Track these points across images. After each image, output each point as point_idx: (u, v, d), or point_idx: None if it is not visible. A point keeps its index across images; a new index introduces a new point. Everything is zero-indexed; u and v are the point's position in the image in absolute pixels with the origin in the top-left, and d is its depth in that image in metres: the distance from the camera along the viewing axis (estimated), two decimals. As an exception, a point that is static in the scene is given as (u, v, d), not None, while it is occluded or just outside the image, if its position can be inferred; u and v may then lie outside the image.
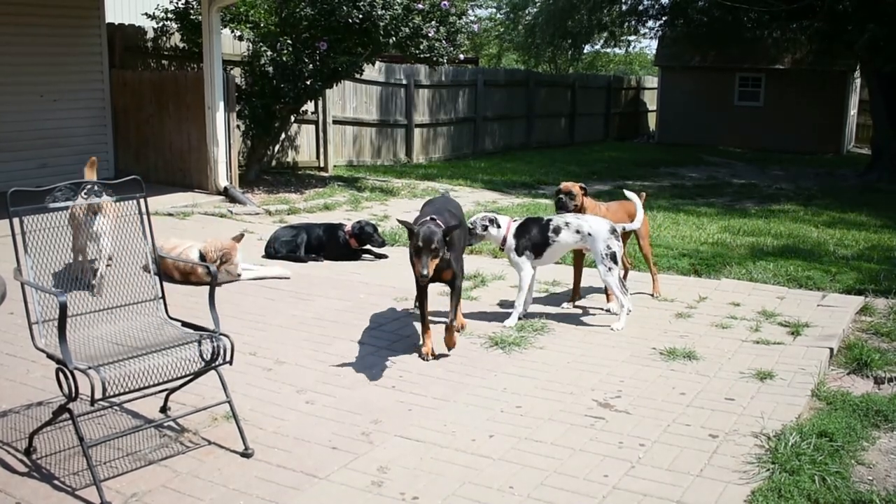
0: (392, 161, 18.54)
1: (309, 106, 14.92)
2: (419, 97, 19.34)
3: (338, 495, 3.62)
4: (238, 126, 12.48)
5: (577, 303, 6.64)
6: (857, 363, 5.40)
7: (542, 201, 13.21)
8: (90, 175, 6.29)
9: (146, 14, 13.03)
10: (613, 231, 6.08)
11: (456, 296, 5.47)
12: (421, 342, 5.47)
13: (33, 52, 11.13)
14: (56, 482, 3.69)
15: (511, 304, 6.31)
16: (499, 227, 6.13)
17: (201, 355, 3.85)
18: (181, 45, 13.09)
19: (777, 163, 22.95)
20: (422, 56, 13.08)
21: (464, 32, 13.61)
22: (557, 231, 6.10)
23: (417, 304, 5.75)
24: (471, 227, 6.12)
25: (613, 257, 6.02)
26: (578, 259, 6.68)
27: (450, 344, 5.42)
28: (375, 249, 8.38)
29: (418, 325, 5.66)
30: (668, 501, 3.58)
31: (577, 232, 6.09)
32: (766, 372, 5.09)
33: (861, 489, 3.71)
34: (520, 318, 6.12)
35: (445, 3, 13.03)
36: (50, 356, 3.74)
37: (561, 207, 6.50)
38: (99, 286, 5.27)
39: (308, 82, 12.18)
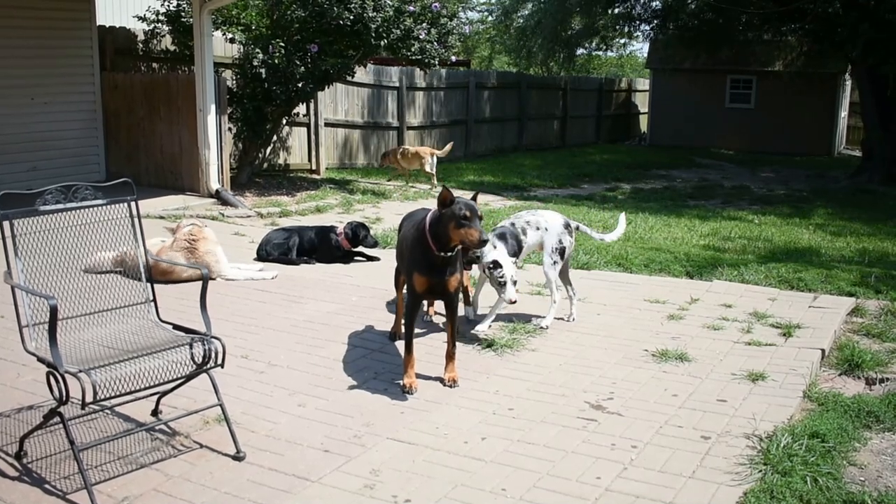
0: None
1: (300, 108, 14.92)
2: (411, 99, 19.34)
3: (330, 498, 3.61)
4: (229, 128, 12.47)
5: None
6: (849, 364, 5.41)
7: (534, 203, 13.23)
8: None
9: (137, 16, 13.01)
10: (567, 226, 6.21)
11: (455, 317, 5.01)
12: (403, 371, 4.93)
13: (24, 54, 11.09)
14: (47, 486, 3.67)
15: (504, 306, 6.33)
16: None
17: (193, 358, 3.84)
18: (172, 47, 13.07)
19: (768, 164, 23.02)
20: (413, 58, 13.09)
21: (455, 34, 13.63)
22: (524, 233, 6.18)
23: (403, 325, 5.09)
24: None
25: (562, 252, 6.13)
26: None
27: (453, 378, 4.95)
28: (367, 251, 8.38)
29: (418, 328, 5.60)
30: (660, 503, 3.58)
31: (538, 229, 6.18)
32: (758, 373, 5.10)
33: (853, 490, 3.71)
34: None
35: (436, 4, 13.04)
36: (40, 359, 3.72)
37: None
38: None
39: (299, 84, 12.18)
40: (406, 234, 5.19)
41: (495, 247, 5.87)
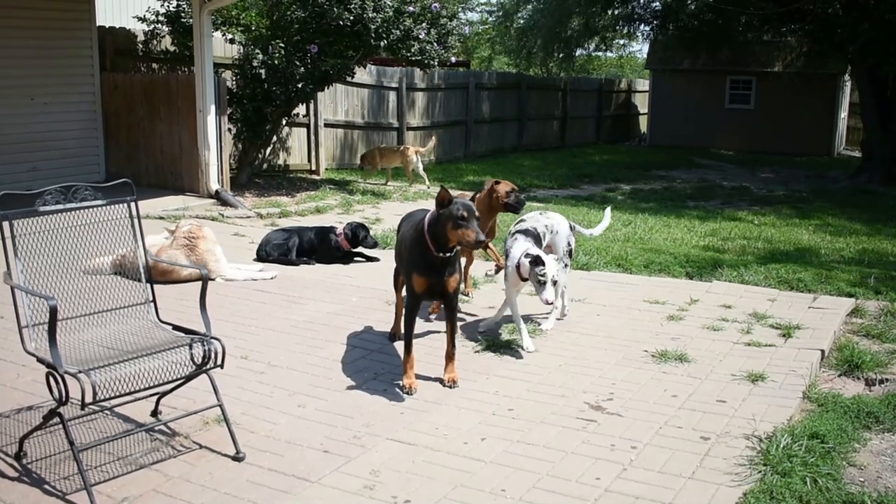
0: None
1: (300, 109, 14.91)
2: (411, 100, 19.34)
3: (330, 499, 3.61)
4: (229, 129, 12.47)
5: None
6: (848, 365, 5.41)
7: (533, 204, 13.21)
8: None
9: (137, 17, 13.01)
10: (571, 227, 6.28)
11: (454, 317, 5.02)
12: (403, 372, 4.96)
13: (24, 55, 11.09)
14: (46, 486, 3.68)
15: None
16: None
17: (192, 359, 3.84)
18: (172, 48, 13.07)
19: (768, 165, 23.03)
20: (413, 58, 13.09)
21: (454, 34, 13.63)
22: (544, 236, 6.14)
23: (403, 326, 5.11)
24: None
25: (570, 254, 6.23)
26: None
27: (452, 379, 4.97)
28: (367, 252, 8.38)
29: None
30: (660, 504, 3.59)
31: (552, 232, 6.16)
32: (758, 374, 5.10)
33: (852, 490, 3.71)
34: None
35: (436, 5, 13.04)
36: (40, 360, 3.72)
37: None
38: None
39: (299, 85, 12.17)
40: (405, 234, 5.19)
41: (532, 245, 5.71)
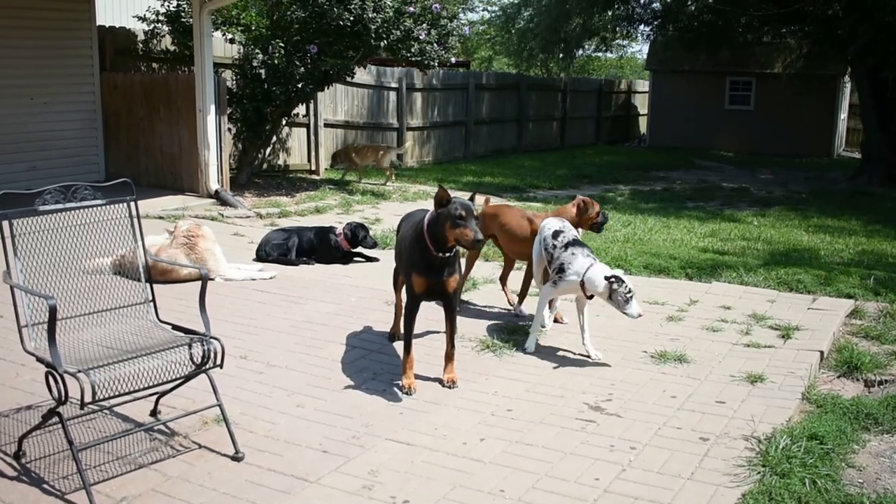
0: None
1: (300, 109, 14.92)
2: (411, 100, 19.34)
3: (329, 499, 3.61)
4: (229, 129, 12.47)
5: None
6: (848, 366, 5.41)
7: (533, 204, 13.21)
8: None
9: (137, 16, 13.01)
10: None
11: (454, 318, 5.01)
12: (402, 372, 4.96)
13: (23, 54, 11.09)
14: (45, 486, 3.68)
15: (503, 307, 6.34)
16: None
17: (192, 359, 3.84)
18: (172, 47, 13.07)
19: (768, 166, 23.04)
20: (413, 59, 13.09)
21: (455, 35, 13.63)
22: None
23: (403, 326, 5.10)
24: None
25: None
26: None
27: (451, 379, 4.97)
28: (367, 252, 8.38)
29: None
30: (658, 504, 3.59)
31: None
32: (757, 375, 5.10)
33: (851, 492, 3.72)
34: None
35: (436, 5, 13.04)
36: (39, 359, 3.72)
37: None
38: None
39: (299, 85, 12.17)
40: (404, 234, 5.19)
41: (594, 261, 5.41)
